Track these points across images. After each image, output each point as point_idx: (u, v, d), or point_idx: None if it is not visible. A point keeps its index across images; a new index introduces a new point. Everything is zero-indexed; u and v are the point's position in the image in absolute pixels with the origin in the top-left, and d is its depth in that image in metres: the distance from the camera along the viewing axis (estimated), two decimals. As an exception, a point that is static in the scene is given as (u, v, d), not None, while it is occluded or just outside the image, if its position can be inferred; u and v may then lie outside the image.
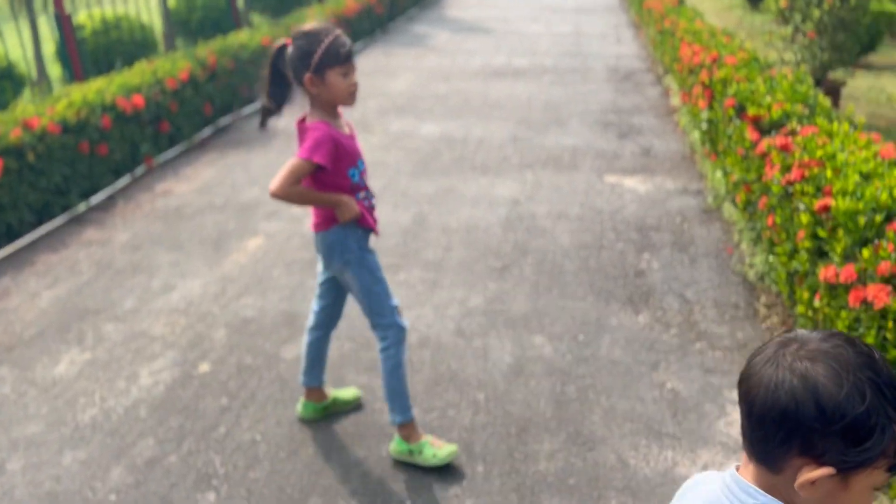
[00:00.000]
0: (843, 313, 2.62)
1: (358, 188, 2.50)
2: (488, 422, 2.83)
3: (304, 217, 4.94)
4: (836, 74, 6.77)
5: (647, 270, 4.07)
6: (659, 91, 8.00)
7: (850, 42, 6.66)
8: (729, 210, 4.69)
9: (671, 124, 6.80)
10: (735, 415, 2.85)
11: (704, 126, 5.36)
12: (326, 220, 2.50)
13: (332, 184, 2.44)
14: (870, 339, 2.41)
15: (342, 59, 2.36)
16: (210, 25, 10.40)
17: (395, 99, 8.00)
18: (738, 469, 1.07)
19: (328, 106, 2.43)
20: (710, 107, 5.21)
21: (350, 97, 2.41)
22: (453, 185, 5.43)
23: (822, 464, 0.95)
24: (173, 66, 6.59)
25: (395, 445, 2.64)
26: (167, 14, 8.82)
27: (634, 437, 2.74)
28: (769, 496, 1.01)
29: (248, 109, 7.69)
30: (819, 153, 3.24)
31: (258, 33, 8.36)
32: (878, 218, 2.62)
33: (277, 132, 6.93)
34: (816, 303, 2.91)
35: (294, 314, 3.69)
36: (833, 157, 3.21)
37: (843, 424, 0.93)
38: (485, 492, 2.48)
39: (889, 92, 7.66)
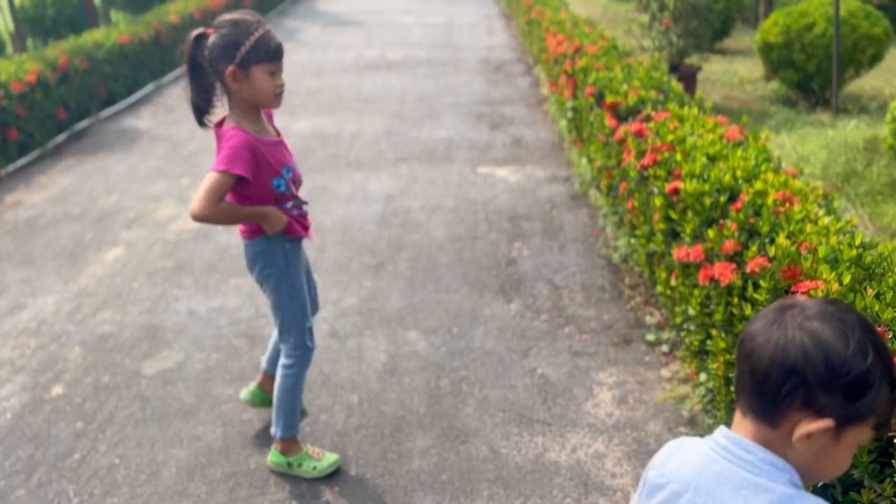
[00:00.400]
0: (696, 291, 2.73)
1: (284, 198, 2.33)
2: (362, 424, 2.78)
3: (168, 223, 4.72)
4: (692, 60, 7.09)
5: (519, 259, 4.13)
6: (529, 81, 8.16)
7: (704, 28, 6.99)
8: (594, 196, 4.83)
9: (541, 114, 6.94)
10: (602, 396, 2.93)
11: (570, 115, 5.49)
12: (252, 230, 2.35)
13: (254, 196, 2.26)
14: (718, 316, 2.52)
15: (271, 56, 2.19)
16: (64, 24, 9.79)
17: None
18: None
19: (249, 106, 2.26)
20: (574, 96, 5.35)
21: (276, 99, 2.25)
22: (327, 182, 5.34)
23: (821, 417, 1.02)
24: (19, 68, 6.14)
25: (272, 457, 2.55)
26: (14, 12, 8.21)
27: (506, 426, 2.77)
28: (767, 450, 1.07)
29: (107, 112, 7.28)
30: (670, 138, 3.37)
31: (115, 31, 7.93)
32: (723, 199, 2.75)
33: (140, 134, 6.59)
34: (673, 282, 3.03)
35: (156, 327, 3.51)
36: (683, 141, 3.34)
37: (848, 380, 1.01)
38: (357, 496, 2.44)
39: (742, 75, 8.10)
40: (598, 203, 4.74)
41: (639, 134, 3.66)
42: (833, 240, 2.20)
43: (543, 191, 5.09)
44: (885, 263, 2.15)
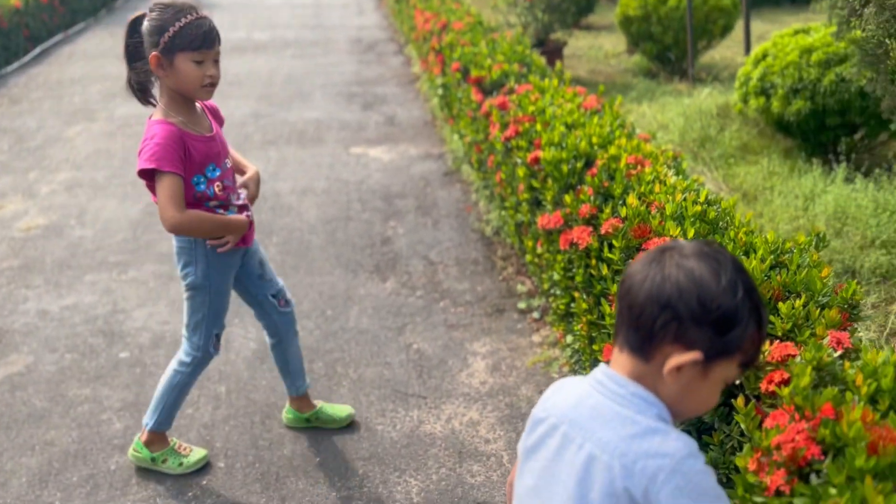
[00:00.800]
0: (559, 256, 2.79)
1: (205, 198, 2.15)
2: (230, 414, 2.69)
3: (14, 220, 4.39)
4: (557, 35, 7.25)
5: (394, 237, 4.10)
6: (401, 60, 8.11)
7: (568, 4, 7.16)
8: (467, 171, 4.86)
9: (413, 92, 6.92)
10: (476, 366, 2.95)
11: (440, 91, 5.49)
12: None
13: None
14: (579, 278, 2.58)
15: (197, 45, 2.05)
16: None
17: (122, 81, 7.37)
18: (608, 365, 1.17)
19: (178, 96, 2.12)
20: (443, 72, 5.35)
21: (203, 91, 2.11)
22: (191, 169, 5.12)
23: (691, 351, 1.07)
24: None
25: (133, 451, 2.41)
26: None
27: (382, 403, 2.74)
28: (638, 385, 1.12)
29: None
30: (531, 109, 3.42)
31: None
32: (579, 165, 2.81)
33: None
34: (539, 249, 3.08)
35: (2, 330, 3.26)
36: (543, 111, 3.39)
37: (718, 314, 1.06)
38: (226, 487, 2.35)
39: (606, 49, 8.36)
40: (470, 178, 4.77)
41: (502, 107, 3.70)
42: (679, 197, 2.28)
43: (417, 168, 5.07)
44: (728, 217, 2.26)
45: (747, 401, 1.66)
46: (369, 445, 2.52)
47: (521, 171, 3.19)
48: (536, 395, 2.75)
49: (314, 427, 2.59)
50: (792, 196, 4.01)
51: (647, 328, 1.09)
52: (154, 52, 2.06)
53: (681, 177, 2.58)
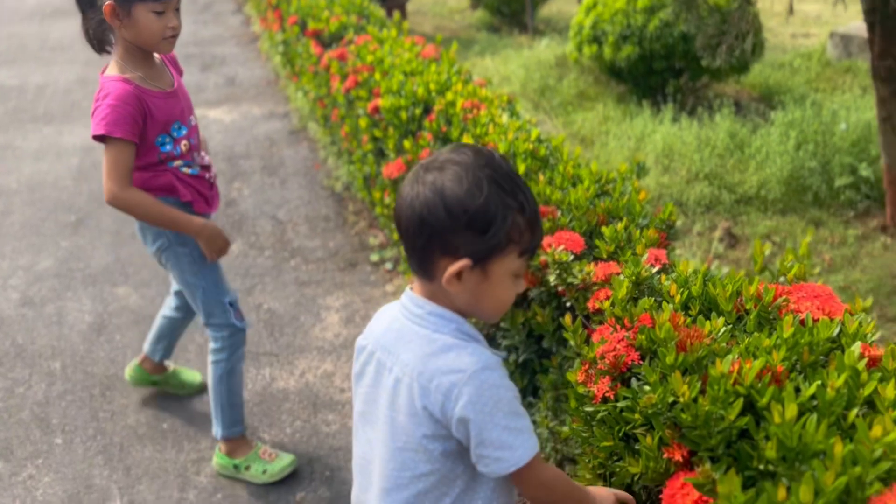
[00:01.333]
0: (404, 204, 2.80)
1: (171, 158, 1.93)
2: (67, 389, 2.53)
3: None
4: (400, -9, 7.19)
5: (239, 198, 3.97)
6: (241, 19, 7.79)
7: (407, -40, 7.10)
8: (313, 128, 4.77)
9: (254, 52, 6.67)
10: (329, 319, 2.93)
11: (281, 49, 5.33)
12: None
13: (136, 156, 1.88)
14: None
15: None
16: None
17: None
18: (412, 289, 1.16)
19: (136, 49, 1.87)
20: (282, 28, 5.18)
21: (165, 43, 1.87)
22: (10, 140, 4.71)
23: (459, 258, 1.06)
24: None
25: (217, 459, 2.19)
26: None
27: (232, 364, 2.67)
28: (433, 303, 1.12)
29: None
30: (370, 59, 3.38)
31: None
32: (418, 111, 2.82)
33: None
34: (386, 200, 3.08)
35: None
36: (381, 61, 3.37)
37: (468, 217, 1.05)
38: (65, 463, 2.22)
39: (450, 5, 8.41)
40: (317, 136, 4.68)
41: (341, 58, 3.64)
42: (511, 136, 2.34)
43: (261, 128, 4.92)
44: (557, 154, 2.35)
45: (574, 320, 1.74)
46: (220, 407, 2.46)
47: (363, 122, 3.16)
48: (390, 342, 2.78)
49: (161, 393, 2.49)
50: (625, 138, 4.22)
51: (416, 248, 1.09)
52: (108, 1, 1.80)
53: (514, 118, 2.64)
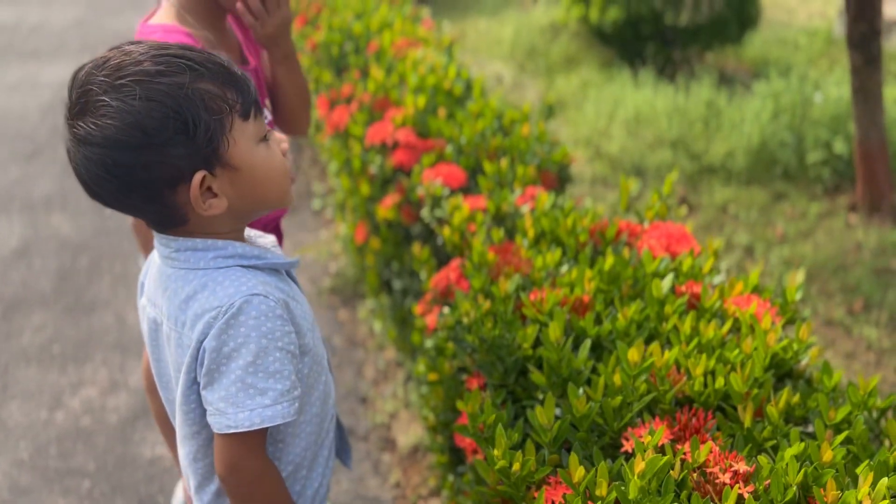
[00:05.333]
0: (335, 144, 2.72)
1: None
2: (-28, 308, 2.51)
3: None
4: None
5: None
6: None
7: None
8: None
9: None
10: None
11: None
12: None
13: None
14: (341, 161, 2.53)
15: None
16: None
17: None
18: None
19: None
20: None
21: None
22: (-13, 72, 4.72)
23: (190, 179, 0.90)
24: None
25: None
26: None
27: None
28: (183, 238, 0.96)
29: None
30: (325, -1, 3.29)
31: None
32: (351, 47, 2.73)
33: None
34: (327, 143, 3.00)
35: None
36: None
37: (164, 138, 0.88)
38: (-52, 379, 2.20)
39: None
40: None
41: (302, -1, 3.55)
42: (423, 71, 2.24)
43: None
44: (473, 94, 2.25)
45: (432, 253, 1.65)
46: (117, 336, 2.41)
47: (306, 60, 3.08)
48: (309, 285, 2.71)
49: (60, 321, 2.46)
50: (602, 103, 4.07)
51: (141, 203, 0.93)
52: None
53: (448, 59, 2.54)
